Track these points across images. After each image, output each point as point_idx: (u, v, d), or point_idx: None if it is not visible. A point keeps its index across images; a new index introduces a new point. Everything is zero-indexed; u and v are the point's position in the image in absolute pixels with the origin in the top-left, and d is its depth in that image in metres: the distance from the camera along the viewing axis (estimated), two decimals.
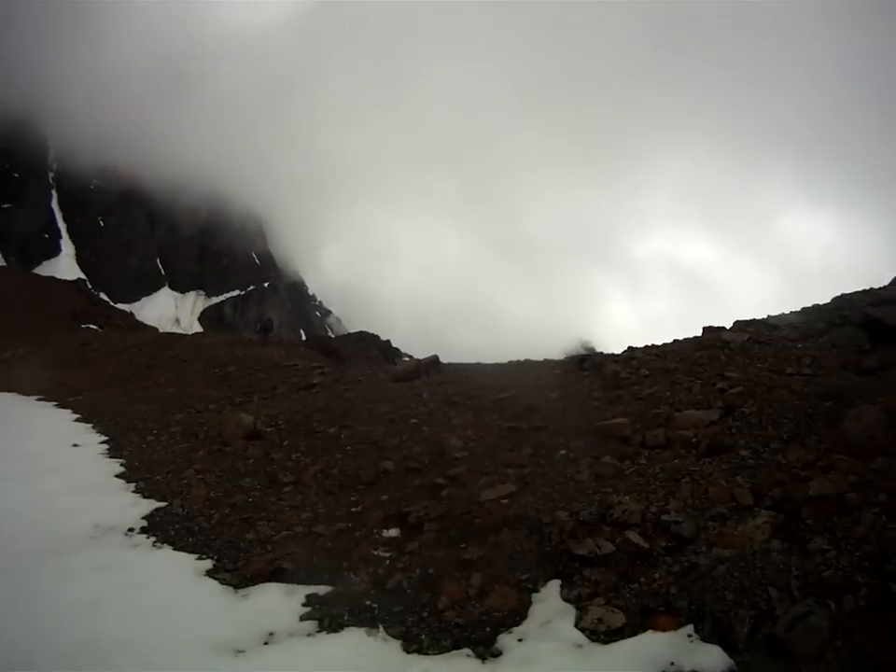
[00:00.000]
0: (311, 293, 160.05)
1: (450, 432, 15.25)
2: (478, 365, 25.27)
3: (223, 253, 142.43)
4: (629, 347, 23.46)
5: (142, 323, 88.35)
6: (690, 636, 7.08)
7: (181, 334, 63.90)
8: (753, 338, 17.89)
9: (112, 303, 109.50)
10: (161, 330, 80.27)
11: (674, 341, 20.96)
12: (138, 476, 15.24)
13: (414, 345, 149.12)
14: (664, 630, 7.24)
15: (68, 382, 32.39)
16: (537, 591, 8.80)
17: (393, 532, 11.13)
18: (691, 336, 20.53)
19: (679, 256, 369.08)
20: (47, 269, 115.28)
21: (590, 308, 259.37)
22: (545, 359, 23.50)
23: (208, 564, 10.24)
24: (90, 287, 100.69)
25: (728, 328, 20.34)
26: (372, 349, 63.57)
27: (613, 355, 21.79)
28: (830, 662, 6.43)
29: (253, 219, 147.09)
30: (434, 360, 24.01)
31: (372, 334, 68.52)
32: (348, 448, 15.28)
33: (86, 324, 70.04)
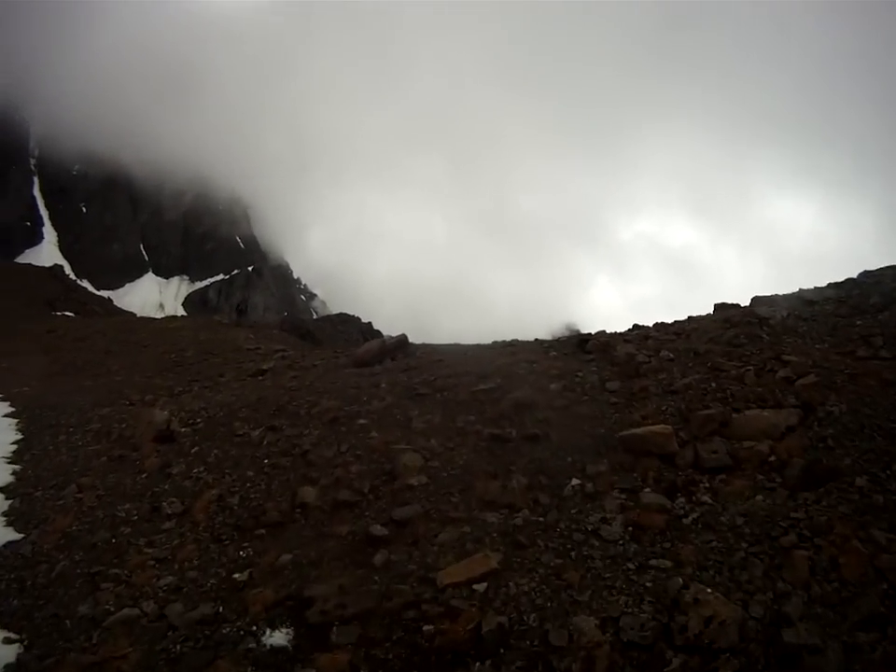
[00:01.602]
0: (296, 276, 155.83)
1: (408, 441, 11.06)
2: (455, 346, 21.06)
3: (207, 237, 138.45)
4: (635, 325, 19.24)
5: (119, 309, 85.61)
6: None
7: (149, 318, 60.28)
8: (794, 313, 15.43)
9: (95, 290, 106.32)
10: (139, 315, 76.09)
11: (689, 318, 18.00)
12: (21, 490, 13.47)
13: (400, 327, 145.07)
14: None
15: (22, 371, 30.13)
16: None
17: (280, 637, 6.49)
18: (704, 313, 18.32)
19: (665, 239, 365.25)
20: (29, 257, 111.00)
21: (575, 290, 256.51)
22: (536, 340, 19.14)
23: (11, 652, 7.57)
24: (67, 273, 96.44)
25: (746, 304, 18.01)
26: (353, 331, 59.78)
27: (622, 334, 17.45)
28: None
29: (237, 203, 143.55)
30: (401, 341, 19.57)
31: (353, 316, 64.31)
32: (266, 462, 12.32)
33: (61, 311, 67.61)
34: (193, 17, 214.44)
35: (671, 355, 14.02)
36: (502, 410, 11.54)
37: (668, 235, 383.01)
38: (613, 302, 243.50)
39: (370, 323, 65.58)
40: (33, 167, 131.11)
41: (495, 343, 19.92)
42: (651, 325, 19.13)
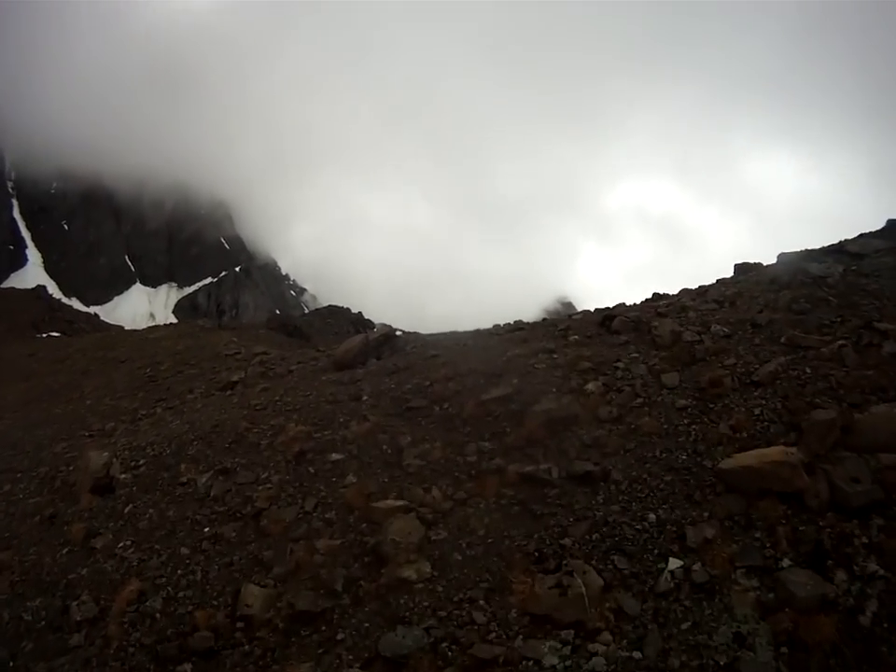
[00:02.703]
0: (284, 273, 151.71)
1: (398, 490, 7.58)
2: (452, 336, 17.69)
3: (192, 242, 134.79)
4: (655, 295, 16.07)
5: (106, 324, 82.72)
6: None
7: (130, 331, 57.37)
8: (852, 269, 12.79)
9: (85, 306, 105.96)
10: (127, 328, 73.73)
11: (720, 281, 15.65)
12: None
13: (391, 314, 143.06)
14: None
15: None
16: None
17: None
18: (729, 276, 16.30)
19: (649, 204, 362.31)
20: (14, 280, 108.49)
21: (563, 262, 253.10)
22: (545, 320, 15.82)
23: None
24: (51, 293, 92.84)
25: (772, 263, 15.94)
26: (343, 323, 56.40)
27: (649, 304, 14.24)
28: None
29: (219, 205, 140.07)
30: (387, 334, 16.33)
31: (342, 307, 61.06)
32: (206, 532, 9.33)
33: (46, 332, 65.99)
34: (166, 22, 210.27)
35: (725, 329, 10.87)
36: (530, 430, 8.33)
37: (652, 200, 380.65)
38: (603, 272, 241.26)
39: (359, 313, 62.50)
40: (10, 190, 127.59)
41: (497, 327, 16.66)
42: (676, 292, 15.98)
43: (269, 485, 9.34)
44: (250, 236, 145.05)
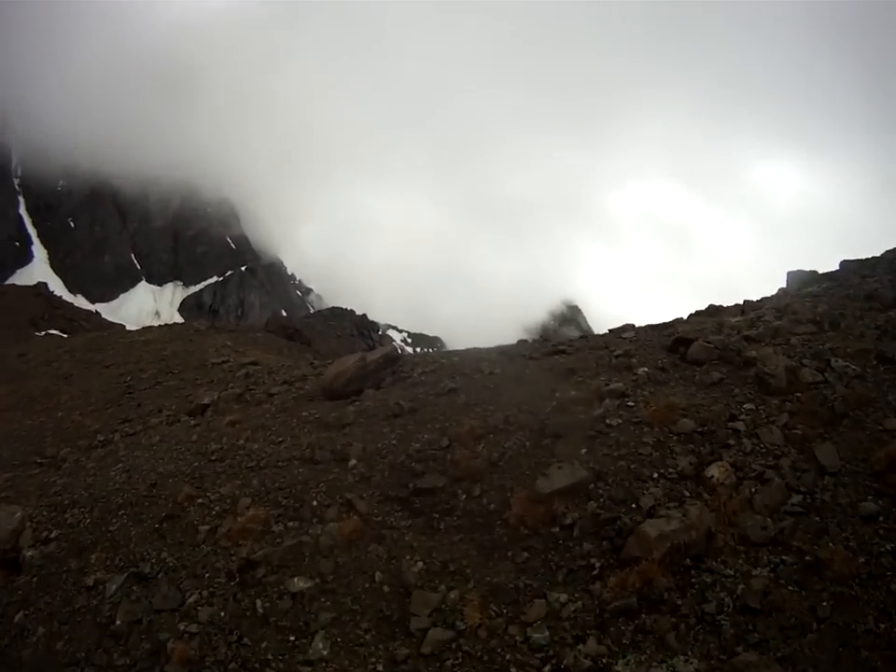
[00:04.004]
0: (290, 272, 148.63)
1: None
2: (470, 355, 14.04)
3: (198, 240, 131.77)
4: (711, 307, 12.77)
5: (108, 322, 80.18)
6: None
7: (123, 331, 54.74)
8: None
9: (90, 304, 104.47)
10: (129, 327, 71.10)
11: (785, 292, 13.34)
12: None
13: (398, 316, 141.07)
14: None
15: None
16: None
17: None
18: (784, 286, 14.24)
19: (656, 209, 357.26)
20: (20, 277, 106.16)
21: (570, 266, 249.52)
22: (584, 337, 12.47)
23: None
24: (53, 290, 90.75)
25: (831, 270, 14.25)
26: (346, 325, 53.23)
27: (729, 325, 10.85)
28: None
29: (225, 203, 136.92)
30: (389, 356, 12.97)
31: (346, 309, 57.73)
32: None
33: (46, 329, 63.73)
34: (173, 20, 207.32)
35: (852, 366, 7.46)
36: (643, 574, 4.80)
37: (658, 203, 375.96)
38: (609, 275, 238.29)
39: (363, 315, 59.40)
40: (17, 186, 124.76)
41: (526, 345, 13.24)
42: (735, 304, 12.69)
43: (192, 627, 5.98)
44: (256, 235, 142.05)
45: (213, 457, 10.65)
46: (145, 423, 17.87)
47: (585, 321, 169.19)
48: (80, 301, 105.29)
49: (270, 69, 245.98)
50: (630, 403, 8.10)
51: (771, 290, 14.50)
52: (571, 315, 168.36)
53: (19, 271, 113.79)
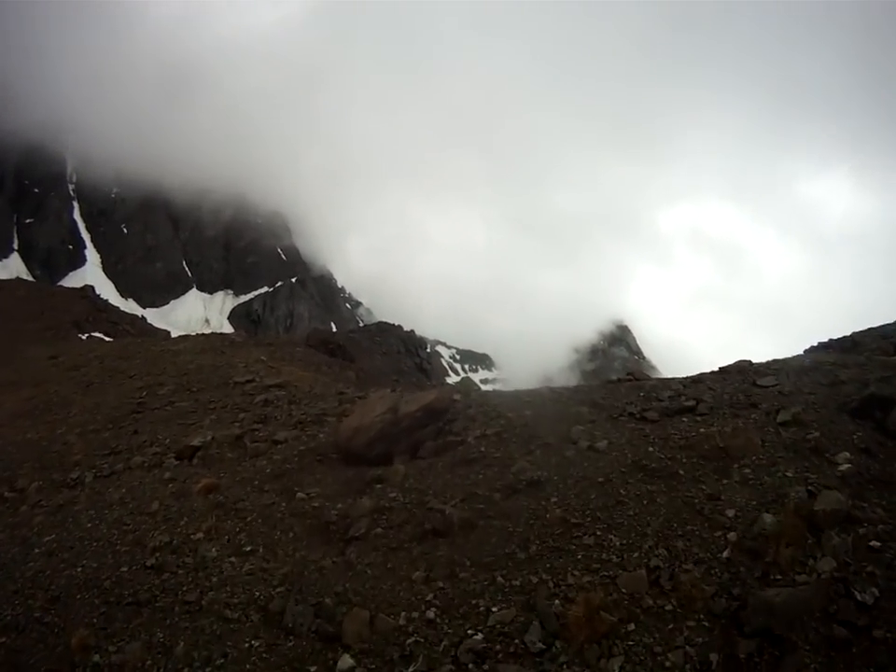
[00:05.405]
0: (340, 285, 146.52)
1: None
2: (549, 400, 9.77)
3: (249, 251, 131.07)
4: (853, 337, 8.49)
5: (153, 327, 77.57)
6: None
7: (157, 339, 51.78)
8: None
9: (141, 308, 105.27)
10: (175, 333, 68.93)
11: None
12: None
13: (447, 332, 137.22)
14: None
15: None
16: None
17: None
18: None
19: (706, 228, 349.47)
20: (73, 280, 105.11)
21: (620, 285, 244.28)
22: (696, 381, 8.44)
23: None
24: (104, 293, 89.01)
25: None
26: (392, 342, 49.34)
27: None
28: None
29: (277, 215, 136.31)
30: (432, 410, 8.64)
31: (393, 324, 53.90)
32: None
33: (89, 332, 61.80)
34: (226, 35, 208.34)
35: None
36: None
37: (708, 222, 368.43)
38: (658, 295, 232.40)
39: (412, 331, 55.61)
40: (72, 192, 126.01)
41: (612, 386, 9.17)
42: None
43: None
44: (307, 247, 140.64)
45: (149, 563, 7.05)
46: (126, 461, 15.30)
47: (635, 341, 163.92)
48: (131, 306, 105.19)
49: (325, 85, 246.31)
50: (873, 543, 4.05)
51: (823, 312, 10.67)
52: (621, 336, 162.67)
53: (72, 273, 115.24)
